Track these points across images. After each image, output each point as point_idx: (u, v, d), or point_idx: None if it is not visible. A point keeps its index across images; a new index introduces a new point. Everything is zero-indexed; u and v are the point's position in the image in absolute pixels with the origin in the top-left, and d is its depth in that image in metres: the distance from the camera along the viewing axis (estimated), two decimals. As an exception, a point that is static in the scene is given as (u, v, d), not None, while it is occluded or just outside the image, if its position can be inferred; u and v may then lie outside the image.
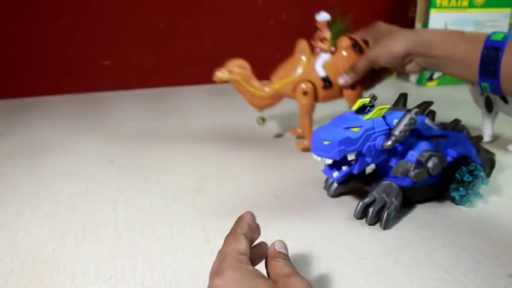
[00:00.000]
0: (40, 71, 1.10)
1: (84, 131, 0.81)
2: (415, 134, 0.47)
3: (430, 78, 1.13)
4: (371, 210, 0.45)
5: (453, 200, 0.48)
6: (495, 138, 0.72)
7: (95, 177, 0.60)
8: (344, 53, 0.63)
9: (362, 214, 0.46)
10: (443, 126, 0.50)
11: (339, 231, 0.45)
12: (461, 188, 0.47)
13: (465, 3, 1.08)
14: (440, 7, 1.08)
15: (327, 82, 0.63)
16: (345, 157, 0.44)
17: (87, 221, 0.48)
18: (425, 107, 0.49)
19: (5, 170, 0.63)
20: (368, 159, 0.45)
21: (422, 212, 0.49)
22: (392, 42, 0.54)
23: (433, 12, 1.08)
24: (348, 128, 0.44)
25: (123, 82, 1.15)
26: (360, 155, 0.45)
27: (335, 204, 0.50)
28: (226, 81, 0.66)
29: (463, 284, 0.36)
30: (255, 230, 0.33)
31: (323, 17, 0.62)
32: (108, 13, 1.10)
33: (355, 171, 0.45)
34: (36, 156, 0.68)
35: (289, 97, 0.66)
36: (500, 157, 0.63)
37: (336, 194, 0.52)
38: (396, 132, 0.43)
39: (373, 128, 0.44)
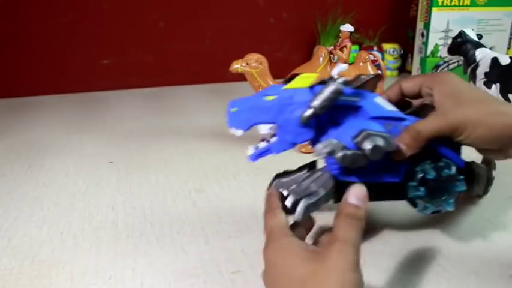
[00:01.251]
0: (39, 70, 1.09)
1: (83, 131, 0.81)
2: (359, 114, 0.37)
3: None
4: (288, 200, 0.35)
5: (414, 204, 0.38)
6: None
7: (94, 178, 0.59)
8: (361, 65, 0.65)
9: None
10: (408, 110, 0.39)
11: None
12: (421, 188, 0.37)
13: (467, 2, 1.08)
14: (443, 6, 1.07)
15: None
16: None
17: (86, 221, 0.48)
18: (363, 81, 0.38)
19: (3, 170, 0.63)
20: (288, 137, 0.36)
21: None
22: (496, 115, 0.34)
23: (435, 11, 1.08)
24: (263, 96, 0.36)
25: (123, 81, 1.15)
26: (278, 130, 0.36)
27: (335, 204, 0.50)
28: (241, 73, 0.66)
29: (465, 284, 0.36)
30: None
31: (347, 28, 0.64)
32: (108, 12, 1.09)
33: (274, 151, 0.37)
34: (34, 156, 0.68)
35: None
36: (502, 157, 0.63)
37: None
38: (314, 103, 0.34)
39: (291, 98, 0.35)
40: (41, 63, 1.09)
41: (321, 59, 0.65)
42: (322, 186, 0.36)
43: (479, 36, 0.72)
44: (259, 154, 0.38)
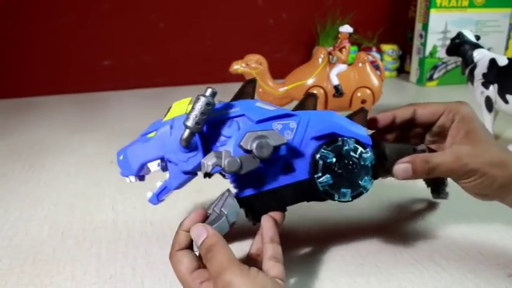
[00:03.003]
0: (40, 71, 1.10)
1: (84, 131, 0.81)
2: (244, 123, 0.36)
3: (431, 78, 1.13)
4: None
5: (331, 196, 0.35)
6: (495, 138, 0.72)
7: (94, 177, 0.60)
8: (360, 66, 0.65)
9: None
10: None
11: (338, 231, 0.45)
12: (327, 175, 0.34)
13: (465, 3, 1.08)
14: (441, 7, 1.08)
15: (339, 91, 0.64)
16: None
17: (87, 221, 0.48)
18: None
19: (4, 170, 0.63)
20: (178, 167, 0.35)
21: (422, 212, 0.49)
22: (500, 166, 0.35)
23: (433, 12, 1.08)
24: (145, 134, 0.37)
25: (123, 82, 1.15)
26: (168, 164, 0.36)
27: (334, 204, 0.50)
28: (240, 74, 0.67)
29: (463, 284, 0.36)
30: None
31: (346, 29, 0.65)
32: (108, 13, 1.10)
33: (172, 187, 0.36)
34: (36, 156, 0.68)
35: (299, 100, 0.67)
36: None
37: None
38: (189, 123, 0.32)
39: (171, 128, 0.35)
40: (42, 64, 1.09)
41: (320, 59, 0.65)
42: (224, 207, 0.35)
43: (477, 37, 0.73)
44: (158, 195, 0.37)
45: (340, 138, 0.35)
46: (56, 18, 1.07)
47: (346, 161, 0.35)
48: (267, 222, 0.35)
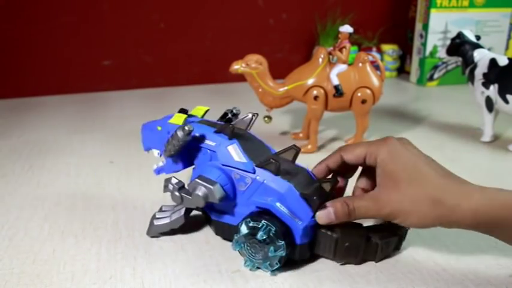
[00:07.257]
0: (40, 71, 1.10)
1: (84, 131, 0.81)
2: (213, 157, 0.41)
3: (431, 78, 1.13)
4: None
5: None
6: (495, 138, 0.72)
7: (94, 178, 0.60)
8: (360, 66, 0.65)
9: None
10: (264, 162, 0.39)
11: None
12: (239, 242, 0.38)
13: (465, 3, 1.08)
14: (441, 7, 1.08)
15: (339, 91, 0.64)
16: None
17: (87, 221, 0.48)
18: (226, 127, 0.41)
19: (5, 170, 0.63)
20: (168, 165, 0.46)
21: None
22: (429, 205, 0.34)
23: (433, 12, 1.08)
24: (157, 123, 0.46)
25: (123, 82, 1.15)
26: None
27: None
28: (240, 74, 0.67)
29: (463, 284, 0.36)
30: None
31: (346, 29, 0.64)
32: (108, 13, 1.10)
33: (167, 172, 0.46)
34: (36, 157, 0.68)
35: (299, 100, 0.67)
36: (500, 157, 0.63)
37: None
38: (168, 147, 0.42)
39: (169, 132, 0.44)
40: (42, 64, 1.10)
41: (320, 59, 0.65)
42: (172, 216, 0.44)
43: (478, 37, 0.73)
44: (159, 170, 0.47)
45: (265, 222, 0.36)
46: (56, 18, 1.07)
47: (257, 243, 0.37)
48: None
